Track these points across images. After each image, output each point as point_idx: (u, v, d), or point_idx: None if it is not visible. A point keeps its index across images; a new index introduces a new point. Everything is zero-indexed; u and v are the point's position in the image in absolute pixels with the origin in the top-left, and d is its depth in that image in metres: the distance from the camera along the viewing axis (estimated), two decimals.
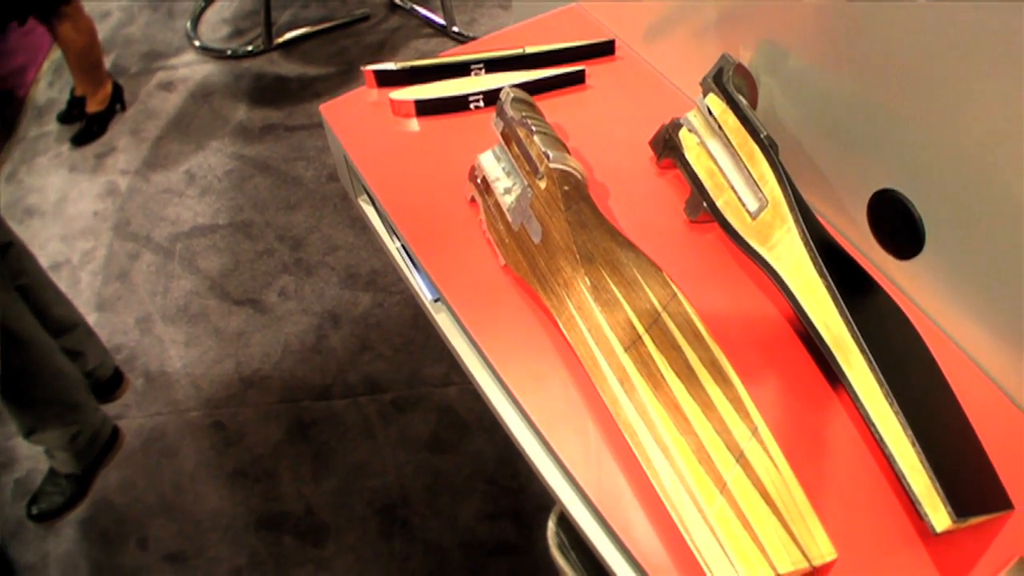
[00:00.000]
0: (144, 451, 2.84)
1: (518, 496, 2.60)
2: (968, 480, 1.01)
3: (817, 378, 1.15)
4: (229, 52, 4.35)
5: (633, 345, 1.07)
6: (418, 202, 1.40)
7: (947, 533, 0.98)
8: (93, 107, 3.97)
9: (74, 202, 3.70)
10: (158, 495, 2.74)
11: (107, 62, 4.17)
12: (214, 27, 4.54)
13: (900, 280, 1.24)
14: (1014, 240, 1.02)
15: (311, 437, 2.82)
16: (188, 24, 4.53)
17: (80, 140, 3.96)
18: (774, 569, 0.91)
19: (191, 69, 4.29)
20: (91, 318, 3.10)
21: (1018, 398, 1.13)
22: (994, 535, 1.01)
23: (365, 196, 1.59)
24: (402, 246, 1.46)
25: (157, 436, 2.88)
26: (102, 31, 4.40)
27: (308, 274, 3.30)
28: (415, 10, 4.39)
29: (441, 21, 4.27)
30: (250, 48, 4.32)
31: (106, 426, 2.74)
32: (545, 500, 1.28)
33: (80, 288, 3.35)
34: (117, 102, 4.06)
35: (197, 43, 4.42)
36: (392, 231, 1.47)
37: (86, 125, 3.98)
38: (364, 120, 1.55)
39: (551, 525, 1.35)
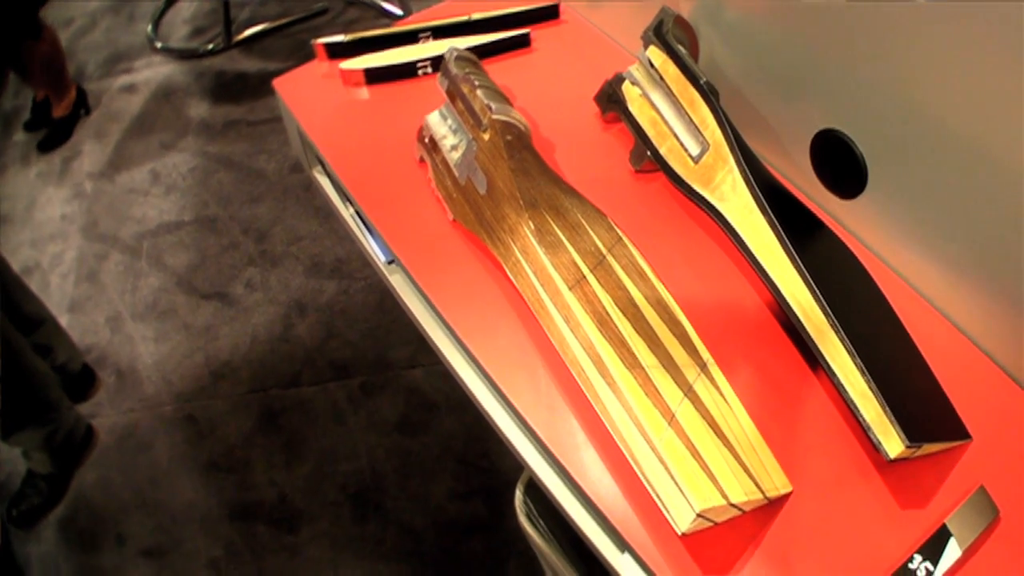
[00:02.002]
0: (119, 448, 2.85)
1: (489, 474, 2.62)
2: (920, 408, 1.02)
3: (767, 317, 1.17)
4: (190, 52, 4.34)
5: (577, 284, 1.08)
6: (369, 167, 1.42)
7: (903, 462, 0.99)
8: (58, 113, 3.97)
9: (42, 207, 3.70)
10: (134, 491, 2.74)
11: (71, 68, 4.16)
12: (175, 28, 4.53)
13: (846, 220, 1.26)
14: (954, 173, 1.04)
15: (282, 425, 2.82)
16: (149, 27, 4.52)
17: (46, 146, 3.96)
18: (726, 498, 0.91)
19: (153, 70, 4.29)
20: (62, 320, 3.09)
21: (969, 330, 1.14)
22: (953, 466, 1.02)
23: (319, 167, 1.61)
24: (356, 212, 1.47)
25: (130, 432, 2.88)
26: (65, 38, 4.42)
27: (273, 265, 3.30)
28: (372, 1, 4.39)
29: (398, 11, 4.27)
30: (210, 47, 4.31)
31: (80, 424, 2.75)
32: (516, 476, 1.30)
33: (51, 291, 3.35)
34: (82, 107, 4.06)
35: (158, 45, 4.41)
36: (346, 197, 1.49)
37: (52, 131, 3.97)
38: (316, 92, 1.56)
39: (519, 494, 1.35)
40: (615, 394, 1.01)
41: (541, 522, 1.35)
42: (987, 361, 1.13)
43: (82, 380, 2.93)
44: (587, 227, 1.15)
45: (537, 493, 1.28)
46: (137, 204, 3.63)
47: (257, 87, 4.04)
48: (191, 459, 2.79)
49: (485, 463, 2.64)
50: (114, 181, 3.75)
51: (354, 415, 2.81)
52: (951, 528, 0.96)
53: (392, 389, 2.86)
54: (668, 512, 0.94)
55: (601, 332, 1.04)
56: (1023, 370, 1.10)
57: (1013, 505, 0.99)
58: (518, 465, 1.18)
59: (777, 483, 0.97)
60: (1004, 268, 1.05)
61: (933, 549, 0.95)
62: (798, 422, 1.07)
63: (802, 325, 1.06)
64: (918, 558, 0.94)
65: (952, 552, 0.95)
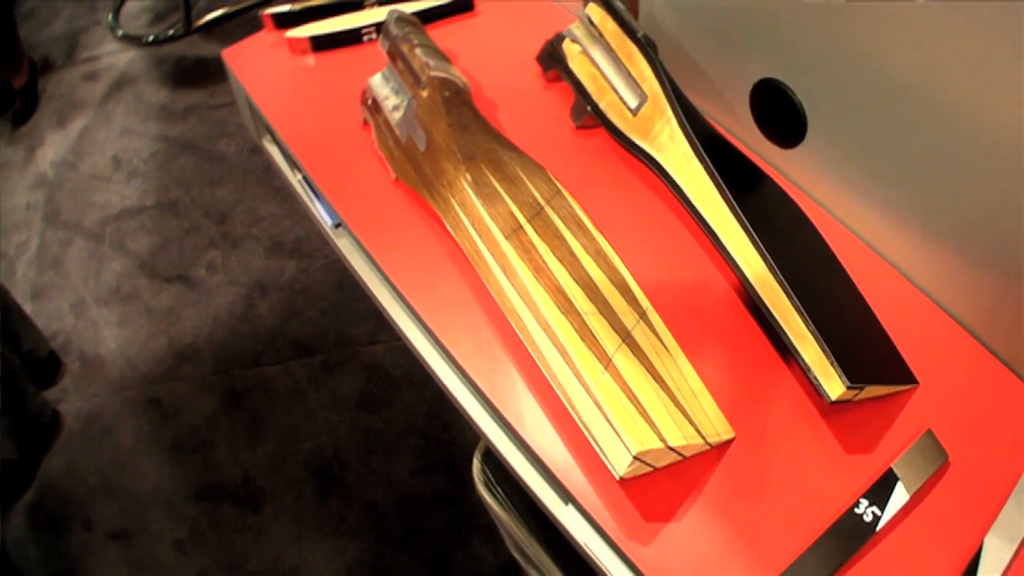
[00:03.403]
0: (84, 433, 2.85)
1: (450, 448, 2.63)
2: (863, 351, 1.03)
3: (707, 265, 1.18)
4: (150, 39, 4.31)
5: (514, 233, 1.09)
6: (316, 132, 1.43)
7: (848, 407, 1.00)
8: (19, 83, 3.96)
9: (6, 196, 3.68)
10: (100, 475, 2.74)
11: (34, 57, 4.18)
12: (135, 16, 4.51)
13: (788, 169, 1.27)
14: (892, 120, 1.05)
15: (244, 405, 2.83)
16: (109, 15, 4.50)
17: (20, 118, 3.97)
18: (663, 441, 0.91)
19: (114, 58, 4.27)
20: (27, 307, 3.08)
21: (913, 275, 1.16)
22: (899, 411, 1.04)
23: (269, 137, 1.61)
24: (303, 177, 1.47)
25: (96, 417, 2.88)
26: (27, 29, 4.40)
27: (234, 246, 3.30)
28: None
29: None
30: (171, 33, 4.29)
31: (46, 411, 2.74)
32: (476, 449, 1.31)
33: (16, 280, 3.34)
34: (36, 73, 4.08)
35: (119, 32, 4.39)
36: (293, 164, 1.49)
37: (20, 102, 3.98)
38: (264, 61, 1.57)
39: (476, 463, 1.36)
40: (551, 340, 1.01)
41: (499, 490, 1.35)
42: (933, 306, 1.14)
43: (48, 366, 2.92)
44: (525, 179, 1.16)
45: (494, 461, 1.29)
46: (100, 190, 3.62)
47: (217, 71, 4.01)
48: (155, 442, 2.79)
49: (446, 437, 2.65)
50: (77, 168, 3.73)
51: (315, 393, 2.82)
52: (898, 472, 0.97)
53: (353, 366, 2.86)
54: (606, 457, 0.95)
55: (537, 279, 1.05)
56: (970, 315, 1.11)
57: (963, 449, 1.00)
58: (479, 437, 1.18)
59: (719, 429, 0.98)
60: (944, 212, 1.06)
61: (879, 493, 0.96)
62: (741, 370, 1.08)
63: (741, 271, 1.07)
64: (864, 502, 0.95)
65: (899, 496, 0.96)
